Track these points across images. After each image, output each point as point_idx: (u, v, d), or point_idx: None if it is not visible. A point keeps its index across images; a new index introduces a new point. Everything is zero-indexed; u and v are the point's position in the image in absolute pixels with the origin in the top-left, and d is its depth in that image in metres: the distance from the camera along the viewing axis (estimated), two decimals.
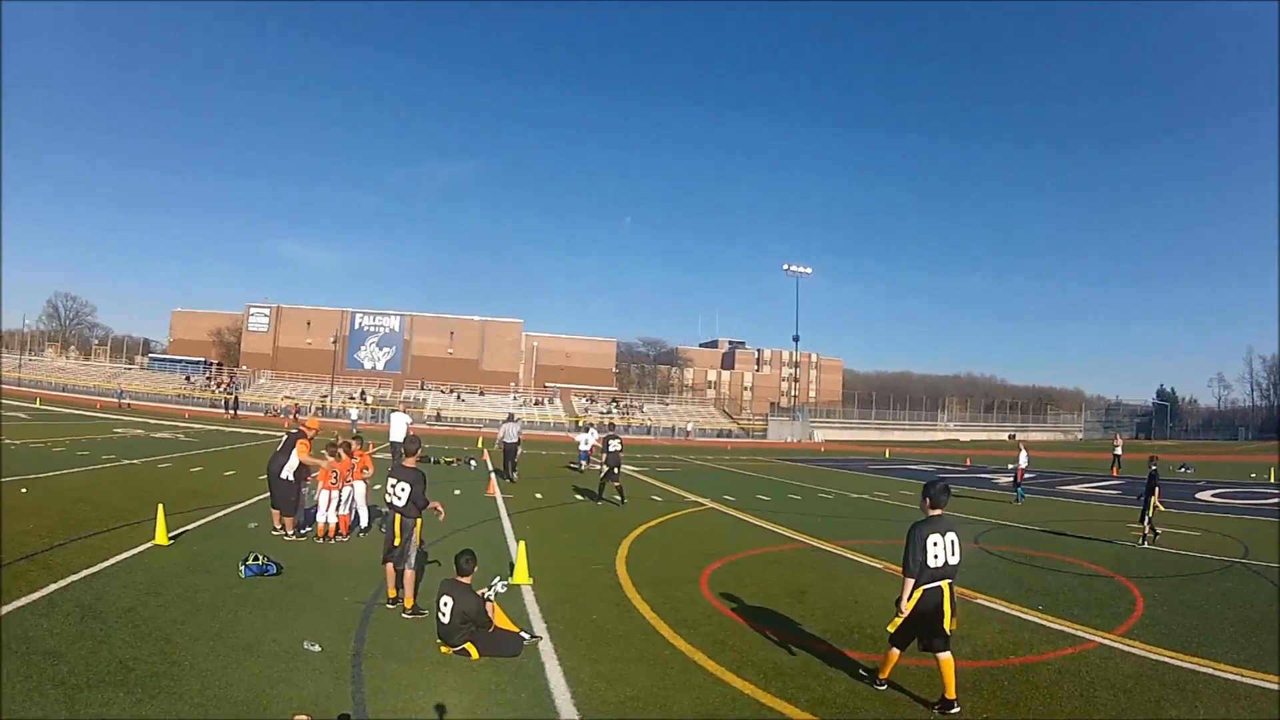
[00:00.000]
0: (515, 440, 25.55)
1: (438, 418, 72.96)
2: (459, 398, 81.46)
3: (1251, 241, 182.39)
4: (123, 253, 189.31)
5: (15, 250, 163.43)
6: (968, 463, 43.99)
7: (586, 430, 32.25)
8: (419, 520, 8.58)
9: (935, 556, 6.37)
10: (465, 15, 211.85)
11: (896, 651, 6.61)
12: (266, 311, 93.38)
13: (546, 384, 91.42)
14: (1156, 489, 15.11)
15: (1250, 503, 24.78)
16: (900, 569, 6.52)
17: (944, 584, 6.43)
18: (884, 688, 6.68)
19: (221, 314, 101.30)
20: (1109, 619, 9.30)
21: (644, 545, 13.30)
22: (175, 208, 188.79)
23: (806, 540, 14.62)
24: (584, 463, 29.60)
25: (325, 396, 73.31)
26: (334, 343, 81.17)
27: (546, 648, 7.44)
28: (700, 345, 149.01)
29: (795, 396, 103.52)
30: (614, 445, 19.50)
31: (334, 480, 12.54)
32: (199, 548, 11.18)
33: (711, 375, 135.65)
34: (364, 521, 13.15)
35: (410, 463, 8.79)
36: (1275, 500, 25.44)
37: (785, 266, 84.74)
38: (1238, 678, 7.20)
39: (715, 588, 10.21)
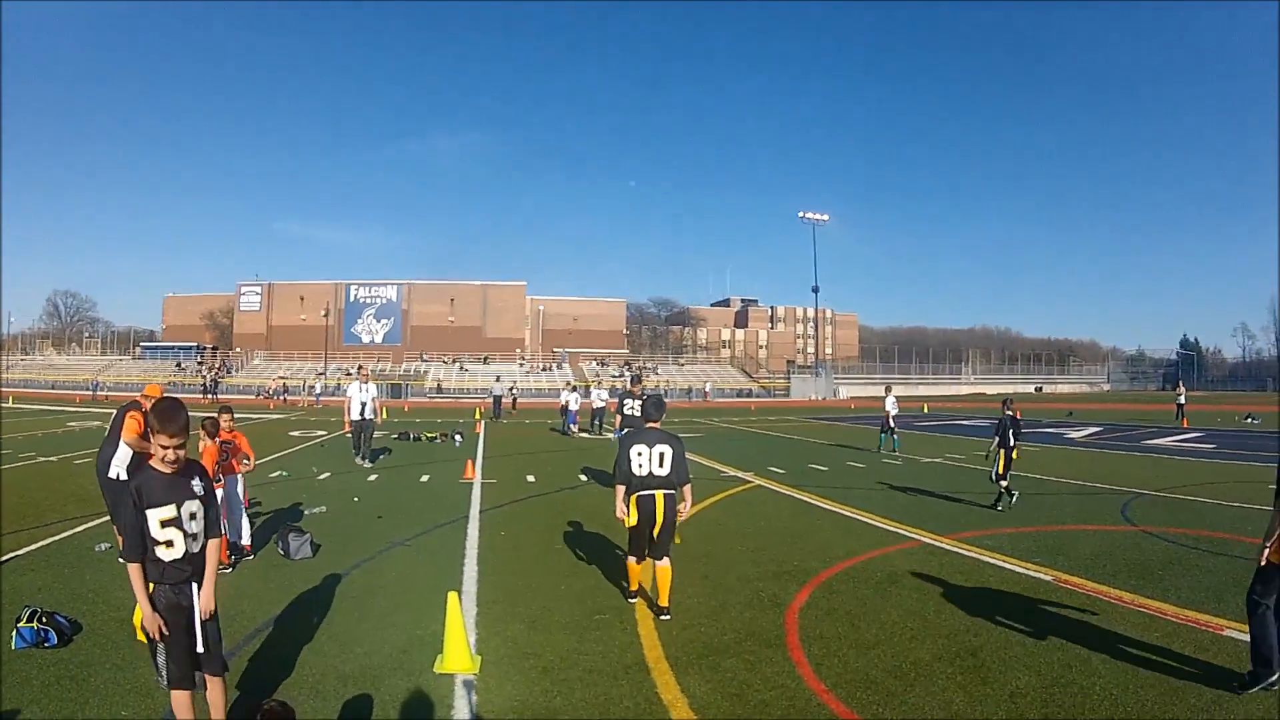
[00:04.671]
0: (501, 394, 38.42)
1: (438, 389, 68.67)
2: (462, 367, 77.20)
3: (1271, 187, 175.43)
4: (118, 245, 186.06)
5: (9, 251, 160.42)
6: (1018, 415, 40.00)
7: (574, 390, 30.35)
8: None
9: (640, 466, 6.53)
10: None
11: (634, 561, 6.79)
12: (258, 289, 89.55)
13: (554, 349, 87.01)
14: (1013, 437, 12.19)
15: None
16: None
17: (658, 493, 6.50)
18: (635, 600, 6.86)
19: (213, 296, 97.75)
20: None
21: (678, 560, 7.58)
22: (168, 192, 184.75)
23: (911, 533, 10.09)
24: (572, 427, 27.41)
25: (322, 374, 68.99)
26: (325, 316, 76.86)
27: None
28: (712, 305, 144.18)
29: (816, 352, 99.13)
30: (629, 407, 14.94)
31: None
32: (4, 585, 7.20)
33: (725, 334, 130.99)
34: (245, 538, 8.66)
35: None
36: None
37: (801, 214, 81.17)
38: None
39: (819, 657, 5.62)
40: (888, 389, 23.20)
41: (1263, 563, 4.95)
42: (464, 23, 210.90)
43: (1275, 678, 4.85)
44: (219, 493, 8.19)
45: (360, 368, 18.33)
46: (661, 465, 6.53)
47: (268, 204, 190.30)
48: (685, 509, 6.67)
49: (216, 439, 8.49)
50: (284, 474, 15.39)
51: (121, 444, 8.07)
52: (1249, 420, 36.57)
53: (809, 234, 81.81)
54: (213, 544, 4.05)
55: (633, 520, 6.56)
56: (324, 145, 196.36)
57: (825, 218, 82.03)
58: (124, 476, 8.08)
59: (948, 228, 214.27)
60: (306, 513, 11.17)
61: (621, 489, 6.65)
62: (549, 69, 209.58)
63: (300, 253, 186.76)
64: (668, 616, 6.41)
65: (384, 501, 12.33)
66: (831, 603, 6.94)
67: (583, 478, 15.39)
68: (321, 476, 15.18)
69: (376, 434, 19.18)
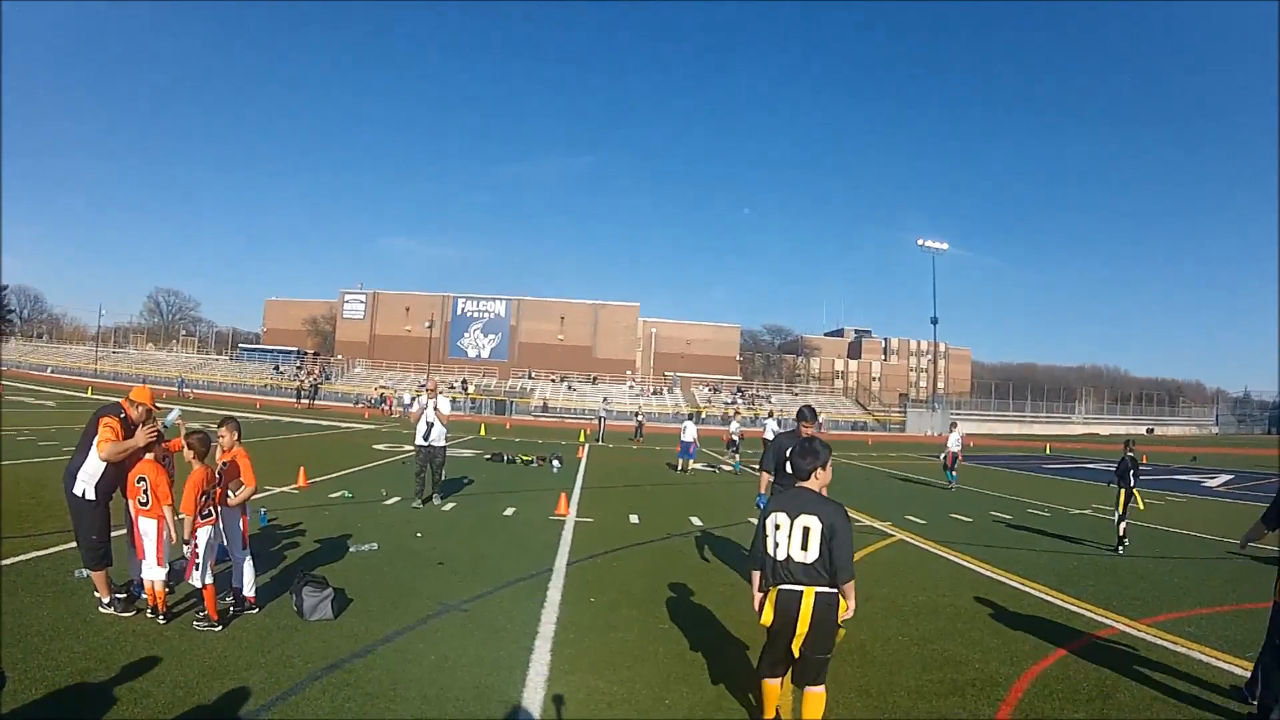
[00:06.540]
0: (604, 416, 41.51)
1: (544, 408, 67.21)
2: (569, 387, 75.74)
3: None
4: (227, 250, 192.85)
5: (116, 247, 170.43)
6: (1144, 460, 36.20)
7: (691, 418, 27.40)
8: None
9: (776, 546, 4.42)
10: (578, 13, 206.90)
11: (769, 680, 4.56)
12: (363, 298, 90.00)
13: (665, 372, 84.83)
14: (1133, 479, 12.19)
15: None
16: None
17: (806, 590, 4.29)
18: None
19: (316, 302, 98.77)
20: None
21: None
22: (281, 203, 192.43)
23: (1099, 615, 7.87)
24: (686, 461, 23.19)
25: (423, 386, 68.45)
26: (428, 327, 76.47)
27: None
28: (825, 334, 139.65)
29: (931, 386, 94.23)
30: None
31: (144, 500, 6.12)
32: None
33: (839, 365, 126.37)
34: (248, 586, 6.43)
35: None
36: None
37: (920, 241, 78.32)
38: None
39: None
40: (953, 425, 22.80)
41: None
42: (580, 48, 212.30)
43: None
44: (206, 531, 6.01)
45: (433, 381, 15.31)
46: (805, 547, 4.34)
47: (374, 218, 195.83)
48: (847, 612, 4.42)
49: (209, 461, 6.26)
50: (346, 495, 13.43)
51: (92, 455, 6.04)
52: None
53: (921, 264, 78.53)
54: None
55: (767, 620, 4.45)
56: (434, 163, 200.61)
57: (945, 245, 78.59)
58: (91, 495, 6.08)
59: (1059, 261, 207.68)
60: (352, 549, 9.13)
61: (757, 576, 4.61)
62: (664, 96, 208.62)
63: (402, 264, 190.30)
64: None
65: (452, 540, 10.18)
66: None
67: (695, 521, 12.79)
68: (388, 502, 13.11)
69: (453, 454, 16.50)
